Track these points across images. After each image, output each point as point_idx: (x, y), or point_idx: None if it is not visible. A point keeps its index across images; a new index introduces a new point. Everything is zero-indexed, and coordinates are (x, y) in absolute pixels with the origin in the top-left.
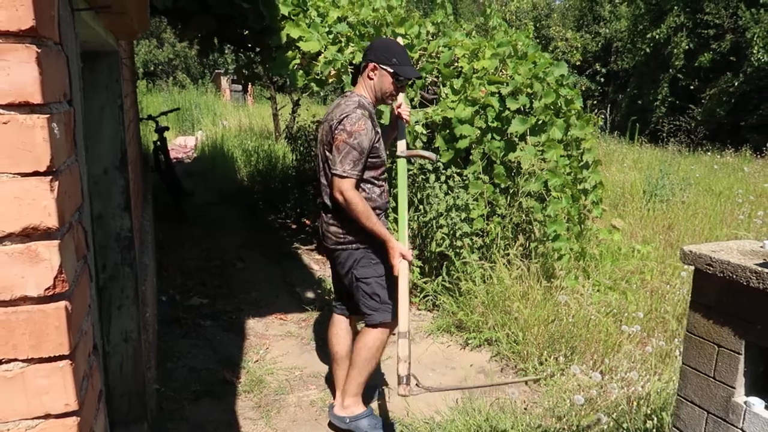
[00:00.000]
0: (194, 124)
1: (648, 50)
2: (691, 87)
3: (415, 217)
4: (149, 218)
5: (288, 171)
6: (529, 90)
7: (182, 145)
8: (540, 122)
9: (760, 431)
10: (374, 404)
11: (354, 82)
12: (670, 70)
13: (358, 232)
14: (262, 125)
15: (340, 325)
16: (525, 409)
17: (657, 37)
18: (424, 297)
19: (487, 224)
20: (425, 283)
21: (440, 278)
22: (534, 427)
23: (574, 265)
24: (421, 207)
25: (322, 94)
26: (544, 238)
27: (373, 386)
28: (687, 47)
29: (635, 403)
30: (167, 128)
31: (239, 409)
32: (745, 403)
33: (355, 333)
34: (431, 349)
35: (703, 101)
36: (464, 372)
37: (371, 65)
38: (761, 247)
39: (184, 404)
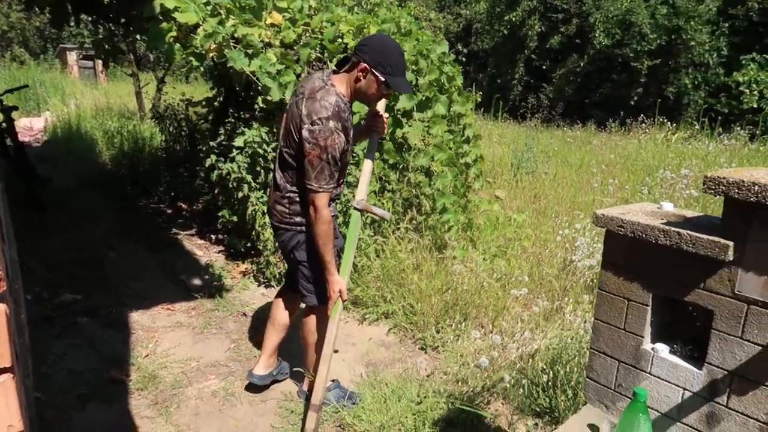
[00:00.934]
0: (39, 104)
1: (505, 32)
2: (544, 67)
3: None
4: (5, 208)
5: (157, 153)
6: (414, 67)
7: (28, 128)
8: (425, 99)
9: (666, 373)
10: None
11: (339, 67)
12: (525, 51)
13: (305, 214)
14: (121, 104)
15: (282, 296)
16: (428, 376)
17: (513, 19)
18: None
19: (379, 200)
20: None
21: None
22: (441, 393)
23: (462, 235)
24: None
25: (189, 75)
26: (433, 212)
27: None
28: (539, 30)
29: (531, 360)
30: (15, 108)
31: (134, 408)
32: (653, 349)
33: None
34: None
35: (553, 80)
36: (365, 347)
37: (363, 66)
38: (658, 208)
39: (70, 411)
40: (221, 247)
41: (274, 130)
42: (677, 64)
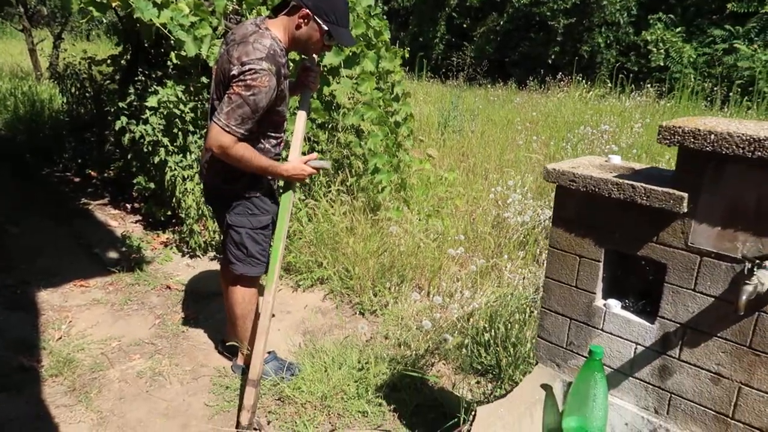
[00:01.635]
0: None
1: None
2: (464, 25)
3: None
4: None
5: (59, 116)
6: None
7: None
8: (352, 54)
9: (619, 329)
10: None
11: (275, 13)
12: (446, 9)
13: (240, 176)
14: (12, 63)
15: (224, 267)
16: (368, 341)
17: None
18: None
19: None
20: None
21: None
22: (383, 358)
23: (396, 196)
24: None
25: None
26: (365, 173)
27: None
28: None
29: (470, 319)
30: None
31: (48, 397)
32: (605, 305)
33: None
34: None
35: (474, 39)
36: (300, 314)
37: (305, 12)
38: (606, 161)
39: None
40: (138, 217)
41: (191, 89)
42: (591, 23)
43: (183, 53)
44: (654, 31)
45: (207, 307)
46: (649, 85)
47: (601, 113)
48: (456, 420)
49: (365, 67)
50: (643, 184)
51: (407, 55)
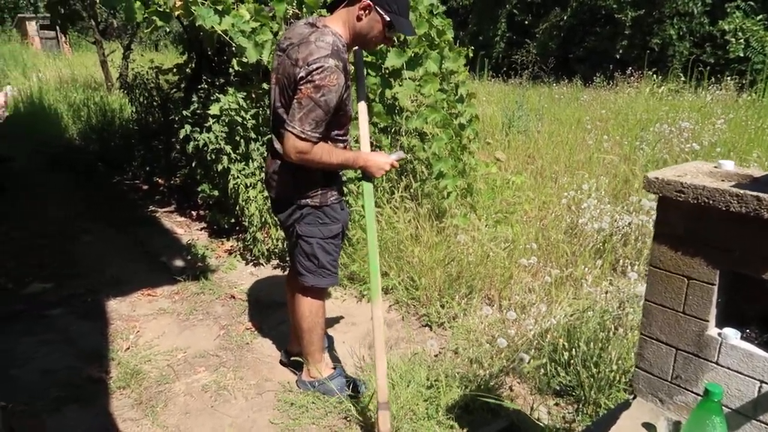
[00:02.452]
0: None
1: None
2: (526, 22)
3: None
4: None
5: (129, 125)
6: None
7: None
8: (415, 55)
9: (738, 363)
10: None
11: (331, 10)
12: (507, 6)
13: (311, 185)
14: (87, 75)
15: (293, 278)
16: (436, 356)
17: None
18: None
19: None
20: None
21: None
22: (453, 376)
23: (462, 202)
24: None
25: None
26: (429, 178)
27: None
28: None
29: (547, 336)
30: None
31: (116, 410)
32: (720, 335)
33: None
34: (327, 305)
35: (537, 36)
36: (366, 326)
37: (365, 2)
38: (716, 167)
39: (43, 417)
40: (203, 224)
41: (253, 95)
42: (661, 14)
43: (244, 60)
44: (732, 20)
45: (270, 317)
46: (728, 78)
47: (677, 109)
48: None
49: (428, 68)
50: None
51: (471, 54)
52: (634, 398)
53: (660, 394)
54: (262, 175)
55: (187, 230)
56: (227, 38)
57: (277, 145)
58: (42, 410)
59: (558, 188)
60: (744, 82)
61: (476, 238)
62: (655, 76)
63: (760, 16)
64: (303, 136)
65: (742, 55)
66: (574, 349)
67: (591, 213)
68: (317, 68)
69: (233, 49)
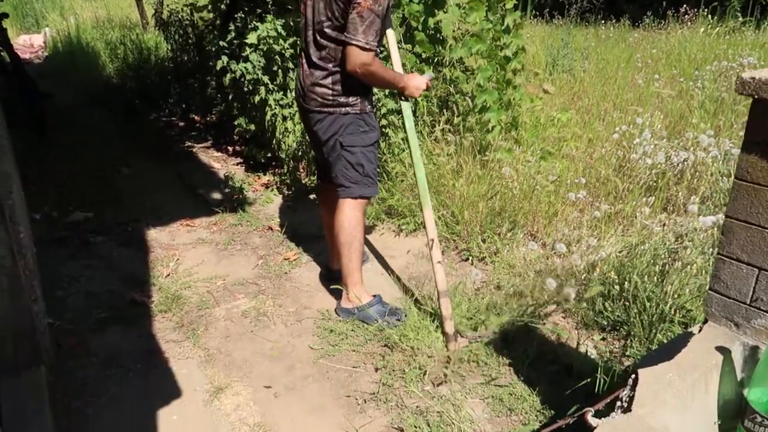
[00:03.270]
0: (38, 19)
1: None
2: None
3: None
4: None
5: (164, 63)
6: None
7: (28, 45)
8: None
9: None
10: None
11: None
12: None
13: (351, 93)
14: (122, 15)
15: (328, 192)
16: (477, 290)
17: None
18: None
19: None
20: None
21: None
22: (496, 307)
23: (505, 136)
24: None
25: None
26: (473, 111)
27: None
28: None
29: (595, 270)
30: (6, 15)
31: (158, 332)
32: None
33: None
34: (366, 240)
35: None
36: (404, 259)
37: None
38: None
39: (88, 336)
40: (239, 159)
41: (291, 23)
42: None
43: None
44: None
45: (308, 248)
46: None
47: (737, 47)
48: (588, 381)
49: None
50: None
51: None
52: (705, 323)
53: (736, 317)
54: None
55: (224, 165)
56: None
57: (316, 55)
58: (86, 330)
59: (606, 125)
60: None
61: (521, 172)
62: (709, 15)
63: None
64: (368, 47)
65: None
66: (626, 283)
67: (644, 148)
68: None
69: None
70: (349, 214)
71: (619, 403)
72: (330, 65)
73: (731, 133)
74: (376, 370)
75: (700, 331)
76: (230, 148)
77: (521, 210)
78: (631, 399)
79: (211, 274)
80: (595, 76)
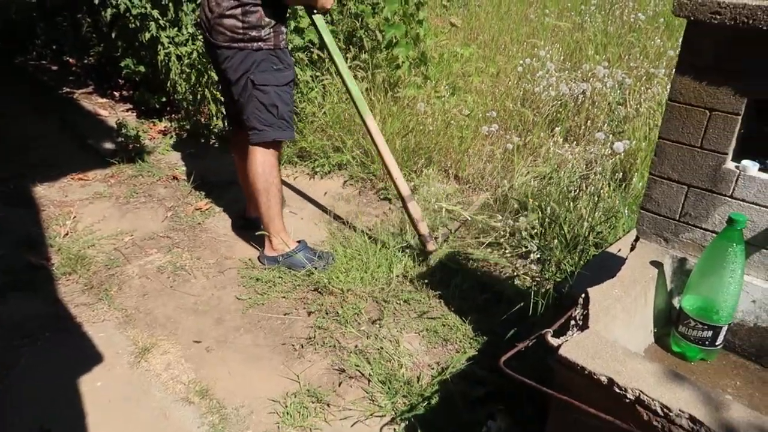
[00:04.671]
0: None
1: None
2: None
3: None
4: None
5: None
6: None
7: None
8: None
9: (755, 194)
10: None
11: None
12: None
13: (263, 26)
14: None
15: (240, 142)
16: (400, 231)
17: None
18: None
19: None
20: None
21: None
22: (418, 244)
23: (415, 72)
24: None
25: None
26: (379, 47)
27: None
28: None
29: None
30: None
31: (64, 296)
32: (737, 167)
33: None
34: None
35: None
36: (323, 202)
37: None
38: None
39: None
40: (129, 105)
41: None
42: None
43: None
44: None
45: (221, 197)
46: None
47: None
48: (522, 305)
49: None
50: None
51: None
52: (637, 240)
53: (666, 233)
54: (197, 33)
55: (112, 112)
56: None
57: None
58: None
59: (508, 58)
60: None
61: (435, 107)
62: None
63: None
64: None
65: None
66: (547, 209)
67: (548, 80)
68: None
69: None
70: (263, 159)
71: (573, 322)
72: None
73: (620, 63)
74: (309, 314)
75: (632, 249)
76: (117, 93)
77: (437, 146)
78: (585, 317)
79: (116, 230)
80: (490, 11)
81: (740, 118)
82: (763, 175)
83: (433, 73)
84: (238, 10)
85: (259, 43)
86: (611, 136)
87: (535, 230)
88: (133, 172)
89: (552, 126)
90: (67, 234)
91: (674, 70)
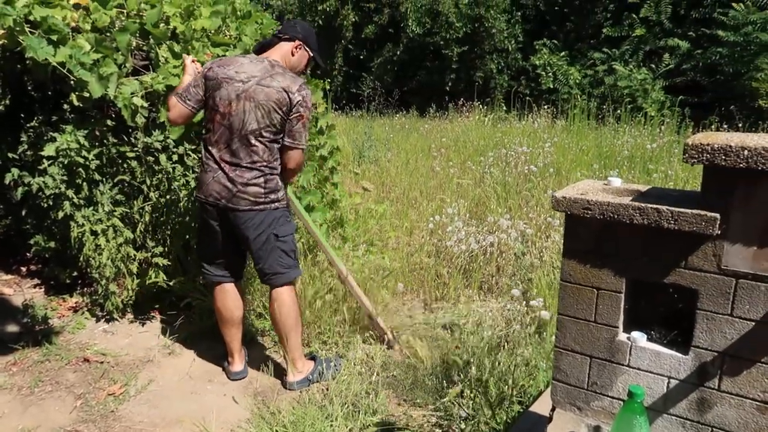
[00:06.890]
0: None
1: (320, 22)
2: (361, 57)
3: (149, 209)
4: None
5: None
6: None
7: None
8: None
9: (648, 363)
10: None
11: (259, 52)
12: (342, 42)
13: (279, 190)
14: None
15: (232, 291)
16: (325, 395)
17: (327, 9)
18: (183, 300)
19: None
20: (175, 284)
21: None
22: (348, 410)
23: (332, 234)
24: (152, 194)
25: None
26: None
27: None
28: (354, 20)
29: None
30: None
31: None
32: (629, 338)
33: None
34: (197, 360)
35: (372, 69)
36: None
37: (297, 43)
38: (606, 184)
39: None
40: (37, 281)
41: (96, 133)
42: (482, 50)
43: (86, 95)
44: (541, 56)
45: (136, 377)
46: (544, 106)
47: (510, 135)
48: None
49: None
50: (669, 207)
51: (329, 86)
52: (554, 410)
53: (578, 402)
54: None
55: (18, 289)
56: (64, 71)
57: (249, 159)
58: None
59: (419, 213)
60: (556, 110)
61: (352, 269)
62: (482, 106)
63: (563, 53)
64: (302, 147)
65: (551, 86)
66: (472, 368)
67: (457, 235)
68: (307, 93)
69: (71, 82)
70: (290, 295)
71: None
72: (262, 166)
73: (521, 213)
74: None
75: (550, 419)
76: (23, 269)
77: (357, 306)
78: None
79: (16, 429)
80: (399, 165)
81: (623, 295)
82: (652, 345)
83: (350, 233)
84: (261, 179)
85: (277, 204)
86: (521, 284)
87: (464, 396)
88: (38, 356)
89: (466, 276)
90: None
91: (562, 254)
